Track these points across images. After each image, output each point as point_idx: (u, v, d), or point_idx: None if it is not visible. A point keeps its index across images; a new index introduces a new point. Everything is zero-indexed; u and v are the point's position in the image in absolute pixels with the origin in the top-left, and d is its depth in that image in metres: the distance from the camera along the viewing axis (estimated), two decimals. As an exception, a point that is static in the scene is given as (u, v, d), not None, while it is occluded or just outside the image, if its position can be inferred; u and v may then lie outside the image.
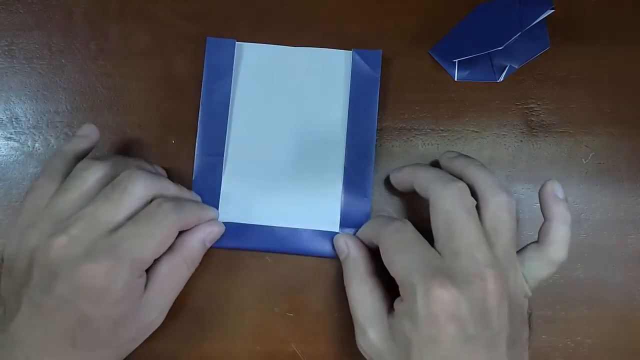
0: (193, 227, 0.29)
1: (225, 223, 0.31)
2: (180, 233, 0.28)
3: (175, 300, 0.30)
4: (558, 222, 0.27)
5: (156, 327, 0.28)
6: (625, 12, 0.33)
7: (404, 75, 0.33)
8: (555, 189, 0.28)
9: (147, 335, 0.28)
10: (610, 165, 0.32)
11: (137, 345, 0.28)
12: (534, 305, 0.28)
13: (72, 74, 0.32)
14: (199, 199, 0.31)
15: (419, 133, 0.32)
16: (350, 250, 0.29)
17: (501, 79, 0.33)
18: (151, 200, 0.27)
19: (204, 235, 0.29)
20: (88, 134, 0.29)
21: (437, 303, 0.23)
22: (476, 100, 0.33)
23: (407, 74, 0.33)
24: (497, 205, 0.26)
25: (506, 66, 0.32)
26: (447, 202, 0.25)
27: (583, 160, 0.32)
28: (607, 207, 0.32)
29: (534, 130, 0.33)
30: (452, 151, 0.30)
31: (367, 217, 0.31)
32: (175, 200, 0.27)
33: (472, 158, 0.29)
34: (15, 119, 0.32)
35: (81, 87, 0.32)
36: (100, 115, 0.32)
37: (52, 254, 0.24)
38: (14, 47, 0.33)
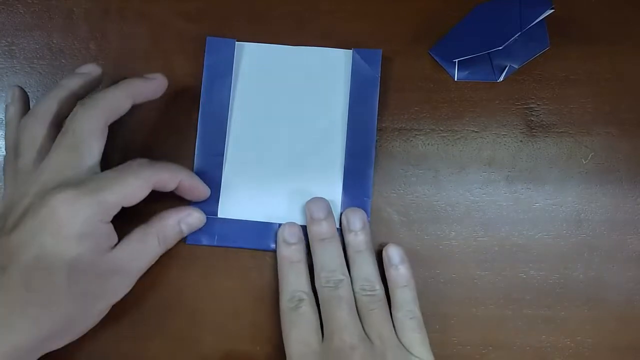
0: (174, 208, 0.29)
1: (225, 220, 0.31)
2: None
3: (174, 300, 0.30)
4: (392, 286, 0.30)
5: (119, 297, 0.27)
6: (625, 12, 0.33)
7: (404, 75, 0.33)
8: (390, 255, 0.30)
9: (112, 302, 0.27)
10: (610, 165, 0.32)
11: (100, 310, 0.27)
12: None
13: (72, 74, 0.32)
14: None
15: (419, 133, 0.32)
16: None
17: (501, 79, 0.33)
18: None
19: (182, 216, 0.29)
20: (90, 71, 0.30)
21: None
22: (476, 100, 0.33)
23: (407, 74, 0.33)
24: (360, 294, 0.29)
25: (506, 66, 0.32)
26: (324, 291, 0.29)
27: (583, 160, 0.32)
28: (607, 207, 0.32)
29: (534, 131, 0.33)
30: (355, 211, 0.31)
31: (367, 217, 0.31)
32: (156, 162, 0.28)
33: (360, 233, 0.30)
34: (15, 119, 0.32)
35: (81, 87, 0.32)
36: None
37: (27, 199, 0.25)
38: (14, 47, 0.33)
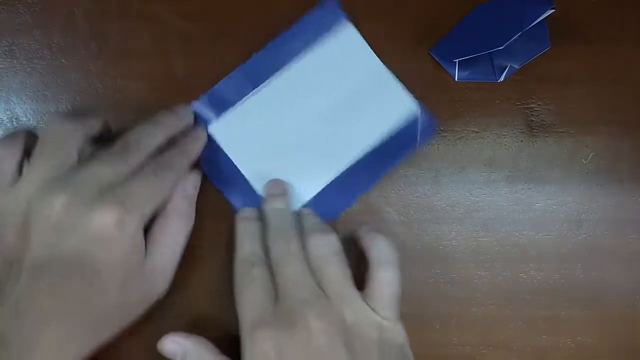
0: None
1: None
2: None
3: (174, 300, 0.30)
4: (371, 245, 0.28)
5: (162, 294, 0.28)
6: (625, 12, 0.33)
7: (404, 75, 0.32)
8: (364, 227, 0.30)
9: (153, 301, 0.27)
10: (610, 165, 0.32)
11: (142, 311, 0.27)
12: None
13: (72, 74, 0.32)
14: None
15: (419, 133, 0.32)
16: (185, 348, 0.27)
17: (501, 79, 0.33)
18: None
19: (183, 186, 0.29)
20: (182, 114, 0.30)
21: (261, 354, 0.24)
22: (476, 100, 0.33)
23: (407, 74, 0.33)
24: (314, 245, 0.27)
25: (507, 66, 0.32)
26: (274, 251, 0.27)
27: (583, 160, 0.32)
28: (607, 207, 0.32)
29: (535, 130, 0.33)
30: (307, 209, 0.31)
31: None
32: (168, 158, 0.28)
33: (313, 214, 0.30)
34: (15, 119, 0.32)
35: (81, 87, 0.32)
36: (100, 115, 0.32)
37: (55, 213, 0.24)
38: (15, 47, 0.33)
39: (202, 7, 0.33)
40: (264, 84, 0.32)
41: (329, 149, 0.32)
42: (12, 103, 0.32)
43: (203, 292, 0.31)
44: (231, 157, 0.32)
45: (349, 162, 0.32)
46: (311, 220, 0.30)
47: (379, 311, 0.26)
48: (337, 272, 0.27)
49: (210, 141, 0.31)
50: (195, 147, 0.30)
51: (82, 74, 0.32)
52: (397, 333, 0.26)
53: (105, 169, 0.25)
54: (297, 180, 0.32)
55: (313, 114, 0.32)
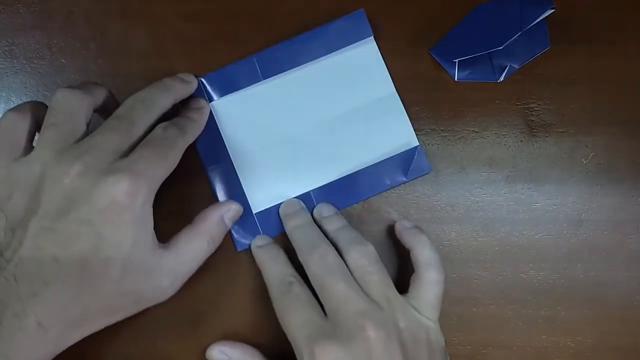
0: (213, 205, 0.29)
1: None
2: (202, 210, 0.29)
3: (175, 300, 0.30)
4: (418, 247, 0.29)
5: (165, 298, 0.27)
6: (625, 12, 0.33)
7: (404, 75, 0.32)
8: (404, 223, 0.30)
9: (155, 301, 0.27)
10: (610, 165, 0.32)
11: (143, 307, 0.27)
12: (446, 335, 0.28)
13: (72, 74, 0.32)
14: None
15: (419, 133, 0.32)
16: (232, 357, 0.29)
17: (501, 79, 0.33)
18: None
19: (223, 211, 0.29)
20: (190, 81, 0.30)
21: None
22: (476, 100, 0.33)
23: (407, 74, 0.33)
24: (354, 259, 0.27)
25: (506, 66, 0.32)
26: (313, 268, 0.27)
27: (583, 160, 0.32)
28: (607, 207, 0.32)
29: (534, 130, 0.33)
30: (325, 203, 0.31)
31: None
32: (177, 123, 0.28)
33: (336, 216, 0.30)
34: (15, 119, 0.32)
35: (81, 87, 0.32)
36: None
37: (68, 181, 0.23)
38: (14, 47, 0.33)
39: (202, 7, 0.33)
40: (276, 76, 0.32)
41: (318, 157, 0.32)
42: (12, 103, 0.32)
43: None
44: (223, 136, 0.32)
45: (334, 177, 0.32)
46: (345, 232, 0.29)
47: (423, 312, 0.27)
48: (380, 280, 0.27)
49: (210, 116, 0.31)
50: (201, 117, 0.30)
51: (82, 74, 0.32)
52: (440, 334, 0.28)
53: (114, 136, 0.25)
54: (279, 178, 0.32)
55: (314, 119, 0.32)
